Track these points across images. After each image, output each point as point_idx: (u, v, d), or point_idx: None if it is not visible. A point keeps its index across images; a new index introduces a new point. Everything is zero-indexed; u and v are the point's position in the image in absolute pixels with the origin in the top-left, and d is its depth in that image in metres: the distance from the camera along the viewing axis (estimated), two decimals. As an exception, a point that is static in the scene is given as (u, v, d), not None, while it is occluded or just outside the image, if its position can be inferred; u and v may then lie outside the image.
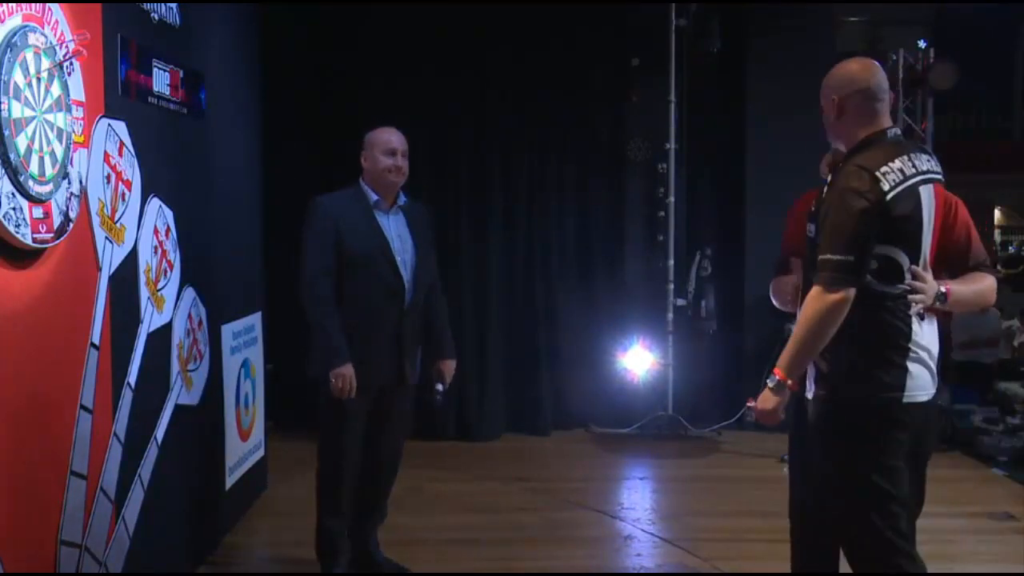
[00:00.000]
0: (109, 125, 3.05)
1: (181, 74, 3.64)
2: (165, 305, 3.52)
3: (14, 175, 2.45)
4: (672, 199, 6.54)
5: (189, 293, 3.77)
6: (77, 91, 2.80)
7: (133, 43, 3.20)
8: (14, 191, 2.46)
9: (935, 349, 2.67)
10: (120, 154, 3.13)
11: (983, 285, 2.86)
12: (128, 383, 3.18)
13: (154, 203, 3.42)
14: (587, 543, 4.38)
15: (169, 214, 3.55)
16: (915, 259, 2.59)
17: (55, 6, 2.66)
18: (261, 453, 4.95)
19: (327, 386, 3.51)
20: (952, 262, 2.84)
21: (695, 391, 6.65)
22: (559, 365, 6.65)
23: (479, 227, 6.50)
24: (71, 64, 2.74)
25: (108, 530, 3.04)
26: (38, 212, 2.57)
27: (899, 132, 2.69)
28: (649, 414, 6.51)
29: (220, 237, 4.19)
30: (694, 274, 6.58)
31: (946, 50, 7.44)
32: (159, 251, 3.47)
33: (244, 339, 4.59)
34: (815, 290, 2.53)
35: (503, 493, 5.21)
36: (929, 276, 2.67)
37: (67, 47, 2.68)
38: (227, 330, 4.32)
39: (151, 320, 3.39)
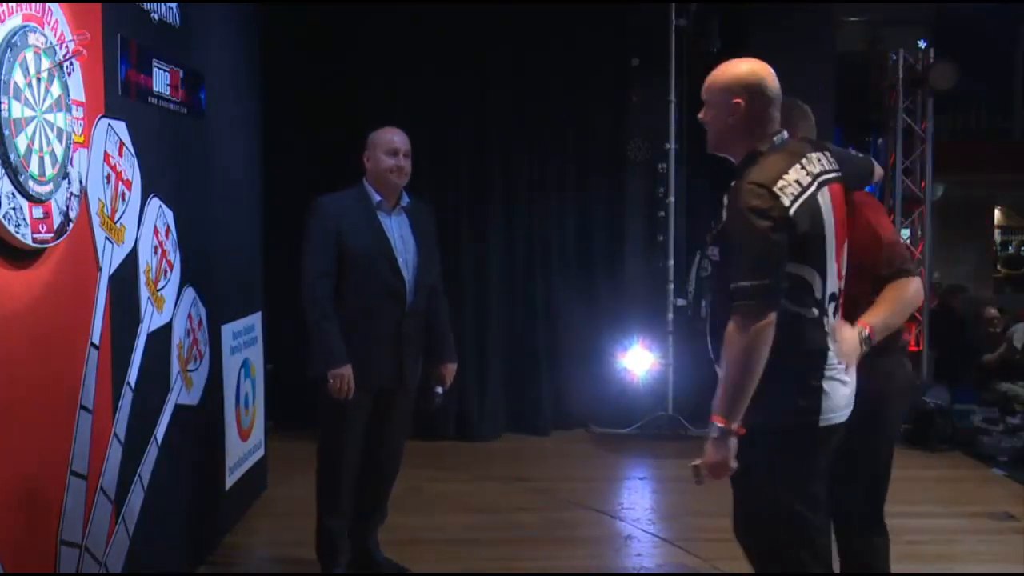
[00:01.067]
0: (109, 125, 3.05)
1: (181, 74, 3.64)
2: (165, 305, 3.52)
3: (14, 175, 2.44)
4: (672, 199, 6.54)
5: (189, 293, 3.77)
6: (77, 91, 2.80)
7: (133, 43, 3.20)
8: (14, 191, 2.46)
9: (851, 370, 2.55)
10: (120, 154, 3.13)
11: (905, 296, 2.70)
12: (128, 383, 3.18)
13: (154, 203, 3.42)
14: (587, 543, 4.38)
15: (169, 214, 3.55)
16: (823, 273, 2.43)
17: (55, 6, 2.66)
18: (261, 453, 4.95)
19: (327, 386, 3.51)
20: (862, 272, 2.66)
21: (695, 391, 6.63)
22: (559, 365, 6.65)
23: (479, 227, 6.50)
24: (71, 64, 2.74)
25: (108, 530, 3.04)
26: (38, 212, 2.57)
27: (785, 135, 2.51)
28: (649, 414, 6.51)
29: (220, 237, 4.19)
30: (694, 274, 6.57)
31: (946, 50, 7.45)
32: (159, 251, 3.47)
33: (244, 339, 4.59)
34: (734, 324, 2.37)
35: (503, 493, 5.21)
36: (846, 329, 2.54)
37: (67, 47, 2.68)
38: (227, 330, 4.32)
39: (151, 320, 3.39)
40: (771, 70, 2.53)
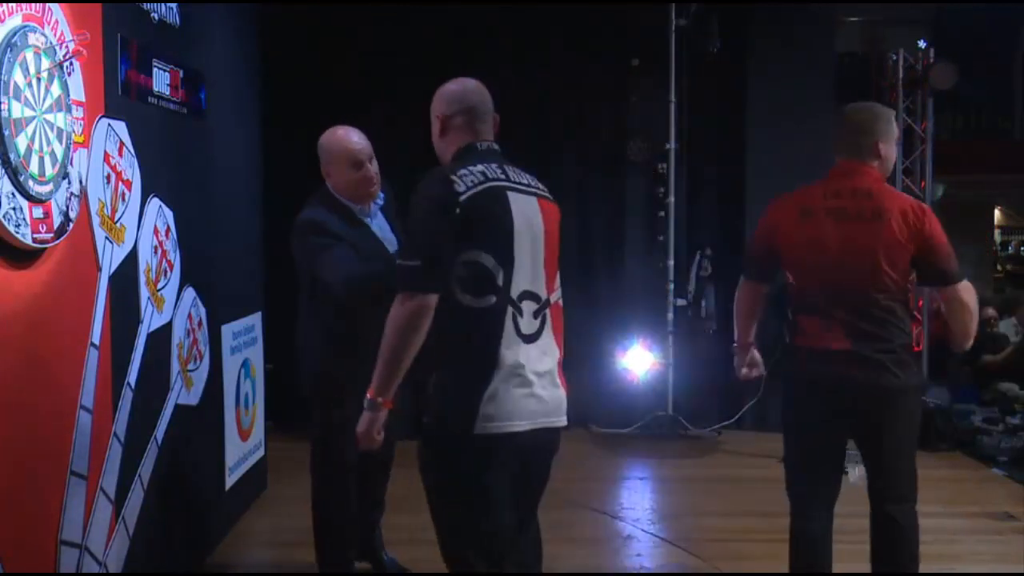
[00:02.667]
0: (109, 125, 3.05)
1: (181, 74, 3.64)
2: (165, 305, 3.52)
3: (14, 175, 2.44)
4: (672, 199, 6.54)
5: (189, 293, 3.77)
6: (77, 91, 2.80)
7: (133, 43, 3.21)
8: (14, 191, 2.46)
9: (542, 368, 2.48)
10: (120, 154, 3.13)
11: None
12: (128, 383, 3.18)
13: (154, 203, 3.42)
14: (587, 543, 4.37)
15: (169, 214, 3.55)
16: (507, 266, 2.40)
17: (55, 6, 2.66)
18: (261, 453, 4.95)
19: (320, 390, 3.47)
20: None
21: (695, 391, 6.65)
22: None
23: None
24: (71, 64, 2.74)
25: (108, 530, 3.04)
26: (38, 212, 2.57)
27: (496, 147, 2.60)
28: (649, 414, 6.51)
29: (220, 237, 4.19)
30: (694, 274, 6.58)
31: (946, 50, 7.44)
32: (159, 251, 3.47)
33: (244, 339, 4.59)
34: (395, 300, 2.37)
35: (503, 493, 5.21)
36: (749, 355, 2.95)
37: (67, 47, 2.68)
38: (227, 330, 4.32)
39: (151, 320, 3.39)
40: (482, 88, 2.73)
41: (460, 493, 2.45)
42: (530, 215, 2.50)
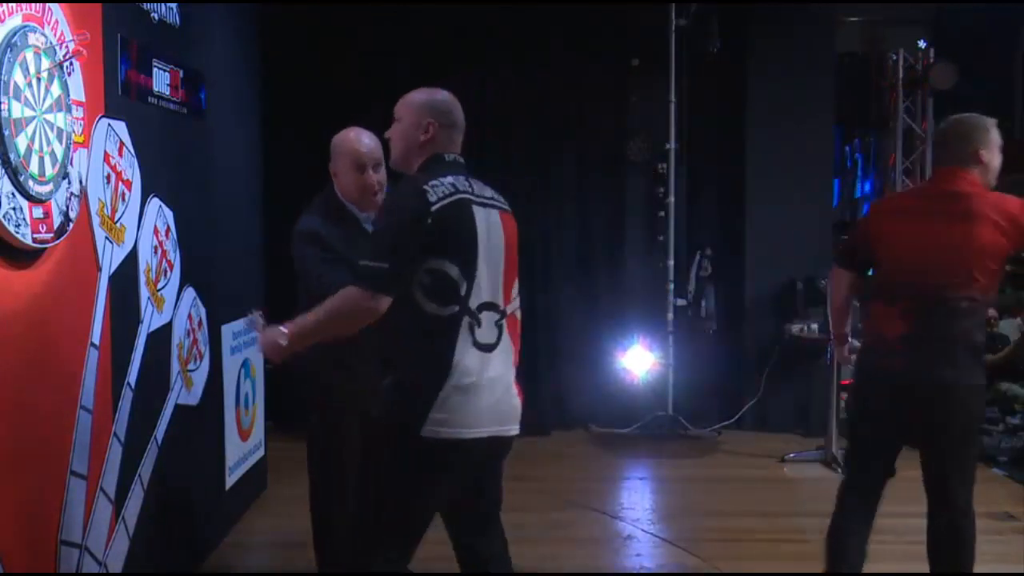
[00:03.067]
0: (109, 125, 3.05)
1: (181, 74, 3.64)
2: (165, 305, 3.52)
3: (14, 175, 2.45)
4: (672, 199, 6.54)
5: (189, 293, 3.77)
6: (77, 91, 2.80)
7: (133, 43, 3.21)
8: (14, 191, 2.46)
9: (497, 377, 2.51)
10: (120, 154, 3.13)
11: None
12: (128, 383, 3.18)
13: (154, 203, 3.42)
14: (587, 543, 4.38)
15: (169, 214, 3.55)
16: (470, 277, 2.45)
17: (55, 6, 2.66)
18: (261, 453, 4.95)
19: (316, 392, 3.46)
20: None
21: (695, 391, 6.65)
22: (559, 365, 6.65)
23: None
24: (71, 64, 2.74)
25: (108, 530, 3.05)
26: (38, 212, 2.57)
27: (461, 160, 2.65)
28: (649, 414, 6.51)
29: (220, 237, 4.19)
30: (694, 274, 6.58)
31: (946, 50, 7.44)
32: (159, 251, 3.47)
33: (244, 339, 4.59)
34: (352, 287, 2.42)
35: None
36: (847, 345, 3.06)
37: (67, 47, 2.68)
38: (227, 330, 4.32)
39: (151, 320, 3.39)
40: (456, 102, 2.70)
41: (400, 490, 2.49)
42: (492, 228, 2.55)
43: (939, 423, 3.11)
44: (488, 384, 2.48)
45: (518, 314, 2.65)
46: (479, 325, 2.47)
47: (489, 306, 2.51)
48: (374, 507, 2.55)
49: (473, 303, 2.47)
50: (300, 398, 3.54)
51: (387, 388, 2.51)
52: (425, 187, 2.45)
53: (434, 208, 2.42)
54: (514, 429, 2.61)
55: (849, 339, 3.64)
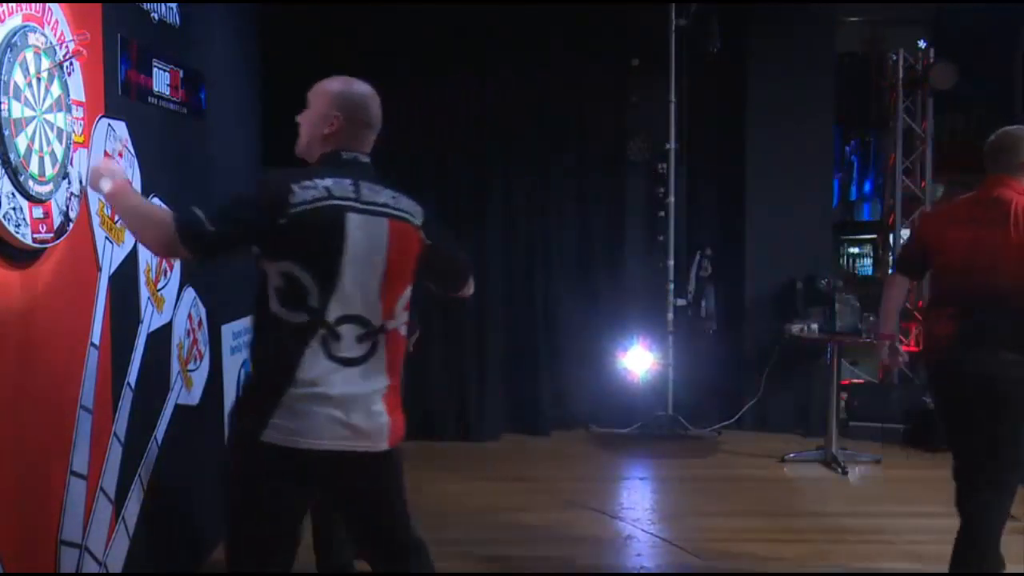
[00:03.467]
0: (109, 125, 3.05)
1: (181, 74, 3.64)
2: (165, 305, 3.52)
3: (14, 175, 2.45)
4: (672, 199, 6.54)
5: (189, 293, 3.77)
6: (77, 91, 2.80)
7: (133, 43, 3.21)
8: (14, 191, 2.46)
9: (358, 393, 2.38)
10: (120, 154, 3.13)
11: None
12: (128, 383, 3.18)
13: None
14: (587, 543, 4.38)
15: (169, 214, 3.54)
16: (327, 288, 2.32)
17: (55, 6, 2.66)
18: (261, 453, 4.94)
19: None
20: None
21: (695, 391, 6.65)
22: (559, 365, 6.65)
23: (479, 227, 6.50)
24: (71, 64, 2.74)
25: (108, 530, 3.05)
26: (38, 212, 2.57)
27: (363, 159, 2.50)
28: (649, 414, 6.51)
29: (220, 237, 4.18)
30: (694, 274, 6.59)
31: (946, 50, 7.45)
32: (159, 251, 3.47)
33: (244, 339, 4.59)
34: (172, 219, 2.32)
35: (503, 493, 5.21)
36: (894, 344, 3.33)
37: (67, 47, 2.68)
38: (227, 330, 4.32)
39: (151, 320, 3.39)
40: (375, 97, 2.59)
41: (241, 492, 2.45)
42: (373, 238, 2.39)
43: (991, 413, 3.38)
44: (339, 398, 2.34)
45: (402, 331, 2.50)
46: (337, 338, 2.34)
47: (353, 319, 2.36)
48: (228, 511, 2.50)
49: (331, 315, 2.33)
50: None
51: (243, 385, 2.46)
52: (294, 186, 2.32)
53: (294, 210, 2.29)
54: (375, 446, 2.42)
55: (896, 340, 3.93)
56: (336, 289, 2.34)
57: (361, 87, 2.59)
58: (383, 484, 2.55)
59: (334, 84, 2.60)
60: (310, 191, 2.32)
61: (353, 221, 2.36)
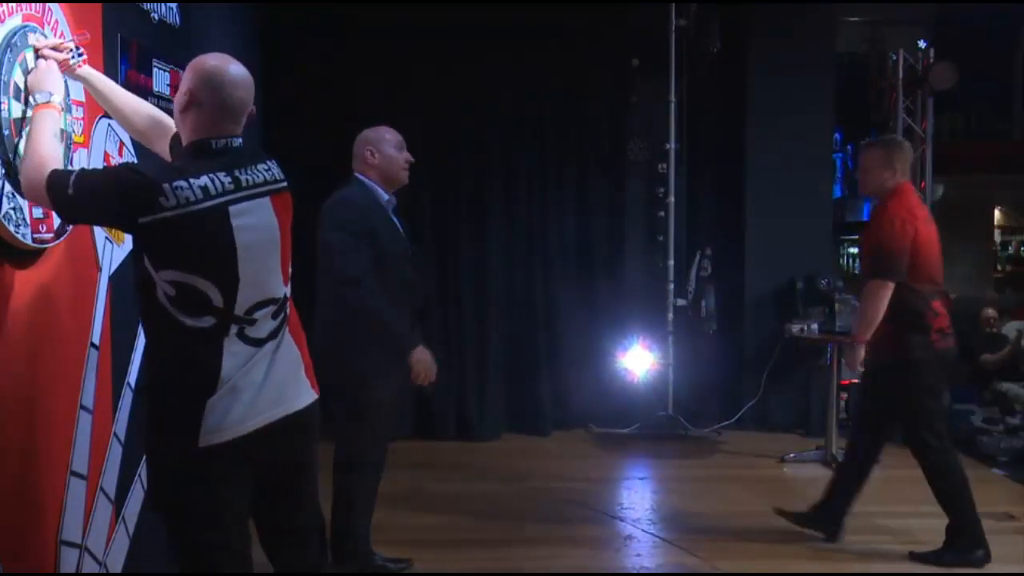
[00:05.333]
0: (109, 125, 3.04)
1: (181, 74, 3.64)
2: (165, 305, 3.52)
3: (14, 175, 2.44)
4: (672, 199, 6.54)
5: (189, 293, 3.77)
6: (77, 91, 2.80)
7: (133, 43, 3.20)
8: (14, 191, 2.46)
9: (276, 363, 2.33)
10: (120, 154, 3.13)
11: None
12: (128, 383, 3.18)
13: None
14: (587, 543, 4.37)
15: (169, 214, 3.54)
16: (230, 287, 2.23)
17: (55, 6, 2.66)
18: (261, 453, 4.94)
19: (365, 391, 3.49)
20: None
21: (695, 391, 6.65)
22: (559, 365, 6.65)
23: (479, 227, 6.50)
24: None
25: (108, 530, 3.04)
26: (38, 212, 2.57)
27: (235, 144, 2.33)
28: (649, 414, 6.51)
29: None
30: (694, 274, 6.58)
31: (946, 50, 7.44)
32: (159, 251, 3.46)
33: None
34: (55, 169, 2.25)
35: (503, 493, 5.21)
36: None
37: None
38: (227, 330, 4.31)
39: (151, 320, 3.38)
40: (243, 79, 2.36)
41: (191, 510, 2.29)
42: (262, 222, 2.31)
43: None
44: (250, 382, 2.27)
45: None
46: (251, 324, 2.28)
47: (263, 303, 2.31)
48: (180, 538, 2.36)
49: (240, 309, 2.26)
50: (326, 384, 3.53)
51: (154, 401, 2.30)
52: (166, 186, 2.15)
53: (165, 214, 2.14)
54: (296, 405, 2.37)
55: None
56: (239, 285, 2.25)
57: (233, 67, 2.35)
58: (307, 442, 2.47)
59: (199, 59, 2.38)
60: (184, 192, 2.17)
61: (237, 216, 2.24)
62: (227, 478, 2.29)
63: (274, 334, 2.35)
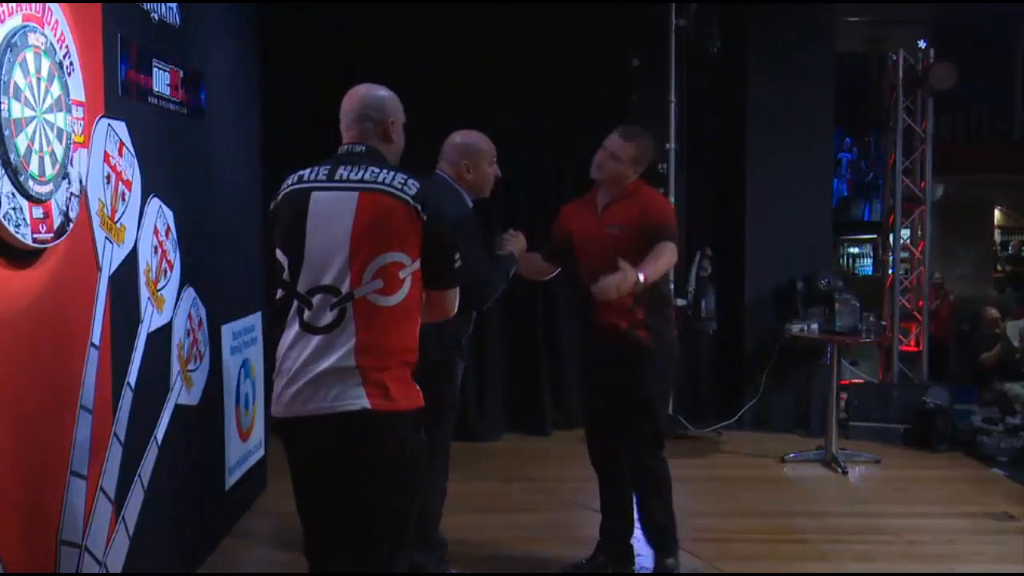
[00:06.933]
0: (109, 125, 3.05)
1: (181, 74, 3.64)
2: (165, 305, 3.52)
3: (14, 175, 2.44)
4: (672, 199, 6.53)
5: (189, 293, 3.77)
6: (77, 91, 2.80)
7: (133, 43, 3.21)
8: (14, 191, 2.46)
9: (325, 358, 2.43)
10: (120, 154, 3.13)
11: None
12: (128, 383, 3.18)
13: (154, 203, 3.42)
14: (587, 543, 4.37)
15: (169, 214, 3.55)
16: (296, 263, 2.48)
17: (55, 6, 2.66)
18: (261, 453, 4.95)
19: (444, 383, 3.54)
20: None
21: (695, 391, 6.65)
22: (559, 365, 6.65)
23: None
24: (71, 64, 2.74)
25: (108, 530, 3.05)
26: (38, 212, 2.57)
27: (356, 148, 2.65)
28: (649, 414, 6.51)
29: (220, 237, 4.19)
30: (694, 274, 6.58)
31: (946, 50, 7.45)
32: (159, 251, 3.47)
33: (244, 339, 4.59)
34: None
35: (503, 493, 5.21)
36: (621, 272, 3.37)
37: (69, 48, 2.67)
38: (227, 330, 4.32)
39: (151, 320, 3.39)
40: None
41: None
42: (339, 212, 2.48)
43: None
44: (301, 367, 2.46)
45: (374, 299, 2.45)
46: (310, 308, 2.47)
47: (324, 289, 2.45)
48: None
49: (302, 287, 2.48)
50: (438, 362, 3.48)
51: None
52: (287, 179, 2.62)
53: (277, 199, 2.60)
54: (338, 407, 2.44)
55: None
56: (304, 263, 2.48)
57: (354, 88, 2.80)
58: (358, 448, 2.51)
59: (387, 97, 2.85)
60: (290, 178, 2.61)
61: (316, 198, 2.52)
62: (287, 448, 2.67)
63: (329, 328, 2.45)
